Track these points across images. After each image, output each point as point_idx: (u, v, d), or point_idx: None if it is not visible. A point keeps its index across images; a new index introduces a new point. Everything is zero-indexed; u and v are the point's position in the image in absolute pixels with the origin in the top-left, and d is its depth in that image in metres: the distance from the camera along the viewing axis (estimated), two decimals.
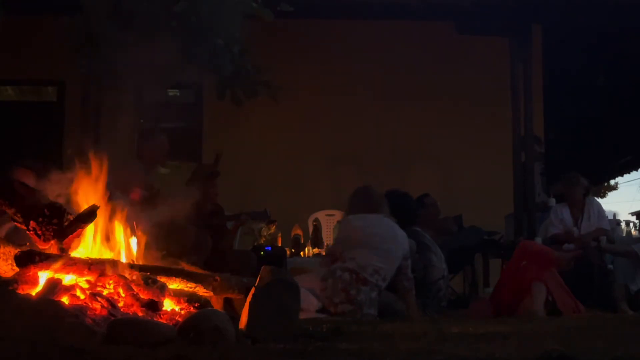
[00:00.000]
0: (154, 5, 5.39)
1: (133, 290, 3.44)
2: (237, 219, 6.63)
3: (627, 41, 8.66)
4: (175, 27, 5.46)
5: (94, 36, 5.46)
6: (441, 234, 7.04)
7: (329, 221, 7.90)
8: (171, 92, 9.48)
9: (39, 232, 3.68)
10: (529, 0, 7.85)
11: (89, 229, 3.79)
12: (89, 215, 3.70)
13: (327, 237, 7.68)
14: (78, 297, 3.28)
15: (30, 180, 4.06)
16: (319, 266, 5.47)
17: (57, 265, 3.41)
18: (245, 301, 3.36)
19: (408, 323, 4.53)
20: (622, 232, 8.54)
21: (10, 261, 3.48)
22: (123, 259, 3.77)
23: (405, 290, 5.24)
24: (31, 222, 3.65)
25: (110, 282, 3.45)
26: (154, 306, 3.40)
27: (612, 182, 24.83)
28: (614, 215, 8.91)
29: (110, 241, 3.84)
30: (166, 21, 5.41)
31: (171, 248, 4.00)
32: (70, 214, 3.68)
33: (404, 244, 5.31)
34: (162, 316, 3.40)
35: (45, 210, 3.60)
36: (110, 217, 3.83)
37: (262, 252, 6.80)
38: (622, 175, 17.04)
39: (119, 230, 3.86)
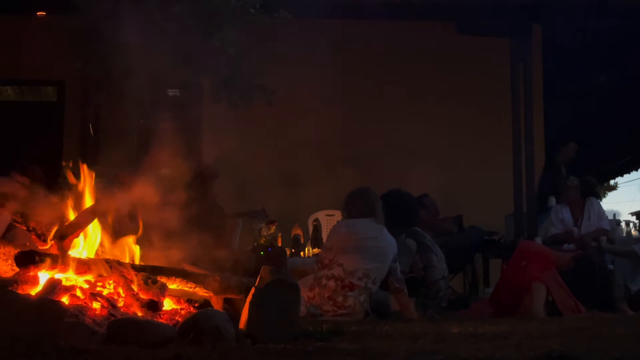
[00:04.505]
0: (150, 7, 5.41)
1: (133, 290, 3.45)
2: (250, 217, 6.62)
3: (626, 41, 8.66)
4: (171, 29, 5.47)
5: (90, 37, 5.47)
6: (441, 235, 7.04)
7: (329, 221, 7.90)
8: (171, 92, 9.48)
9: (39, 232, 3.69)
10: (529, 0, 7.86)
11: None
12: (89, 215, 3.71)
13: None
14: (78, 297, 3.29)
15: (27, 181, 4.08)
16: (310, 272, 5.46)
17: (57, 265, 3.41)
18: (245, 301, 3.36)
19: (408, 323, 4.53)
20: (622, 232, 8.52)
21: (10, 261, 3.48)
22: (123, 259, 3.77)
23: (397, 291, 5.26)
24: (31, 222, 3.66)
25: (110, 282, 3.45)
26: (154, 306, 3.40)
27: (612, 182, 24.81)
28: (614, 215, 8.89)
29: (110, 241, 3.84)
30: (163, 23, 5.43)
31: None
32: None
33: (393, 247, 5.32)
34: (162, 316, 3.40)
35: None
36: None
37: (262, 252, 6.79)
38: (622, 175, 17.07)
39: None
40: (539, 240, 7.12)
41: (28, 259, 3.37)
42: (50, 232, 3.66)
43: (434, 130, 8.96)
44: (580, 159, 8.41)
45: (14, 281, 3.28)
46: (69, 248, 3.67)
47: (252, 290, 3.35)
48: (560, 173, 8.05)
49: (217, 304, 3.73)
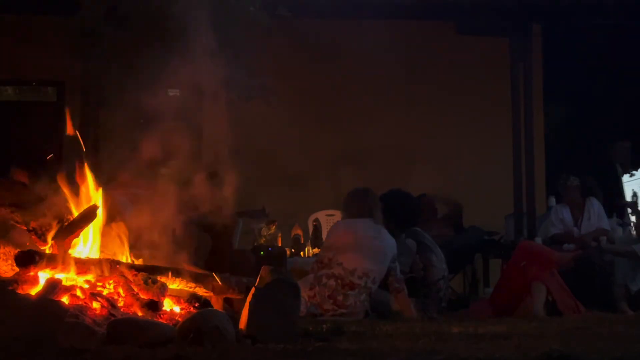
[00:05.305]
0: (150, 7, 5.41)
1: (133, 290, 3.45)
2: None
3: (626, 40, 8.66)
4: (171, 29, 5.48)
5: (91, 36, 5.48)
6: (441, 234, 7.03)
7: (329, 221, 7.89)
8: (171, 92, 9.47)
9: (39, 232, 3.68)
10: (529, 0, 7.86)
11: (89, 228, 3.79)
12: (89, 215, 3.70)
13: None
14: (78, 297, 3.28)
15: (25, 181, 4.07)
16: (309, 272, 5.45)
17: (57, 265, 3.41)
18: (245, 301, 3.36)
19: (408, 323, 4.54)
20: (622, 232, 8.53)
21: (10, 261, 3.47)
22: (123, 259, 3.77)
23: (397, 291, 5.26)
24: (31, 222, 3.65)
25: (110, 282, 3.45)
26: (154, 306, 3.40)
27: None
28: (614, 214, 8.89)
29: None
30: (162, 22, 5.43)
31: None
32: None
33: (392, 247, 5.33)
34: (162, 316, 3.40)
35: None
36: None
37: (262, 252, 6.79)
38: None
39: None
40: (539, 240, 7.11)
41: (28, 259, 3.37)
42: (50, 231, 3.66)
43: (434, 130, 8.95)
44: (579, 159, 8.39)
45: (14, 281, 3.28)
46: (69, 248, 3.67)
47: (252, 290, 3.35)
48: (616, 172, 8.01)
49: (217, 304, 3.73)
